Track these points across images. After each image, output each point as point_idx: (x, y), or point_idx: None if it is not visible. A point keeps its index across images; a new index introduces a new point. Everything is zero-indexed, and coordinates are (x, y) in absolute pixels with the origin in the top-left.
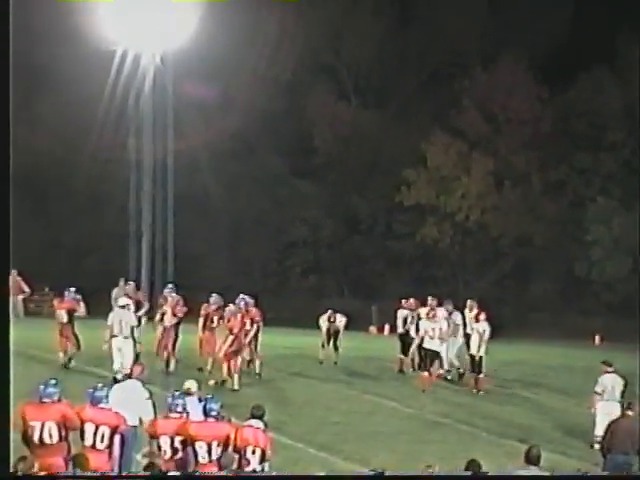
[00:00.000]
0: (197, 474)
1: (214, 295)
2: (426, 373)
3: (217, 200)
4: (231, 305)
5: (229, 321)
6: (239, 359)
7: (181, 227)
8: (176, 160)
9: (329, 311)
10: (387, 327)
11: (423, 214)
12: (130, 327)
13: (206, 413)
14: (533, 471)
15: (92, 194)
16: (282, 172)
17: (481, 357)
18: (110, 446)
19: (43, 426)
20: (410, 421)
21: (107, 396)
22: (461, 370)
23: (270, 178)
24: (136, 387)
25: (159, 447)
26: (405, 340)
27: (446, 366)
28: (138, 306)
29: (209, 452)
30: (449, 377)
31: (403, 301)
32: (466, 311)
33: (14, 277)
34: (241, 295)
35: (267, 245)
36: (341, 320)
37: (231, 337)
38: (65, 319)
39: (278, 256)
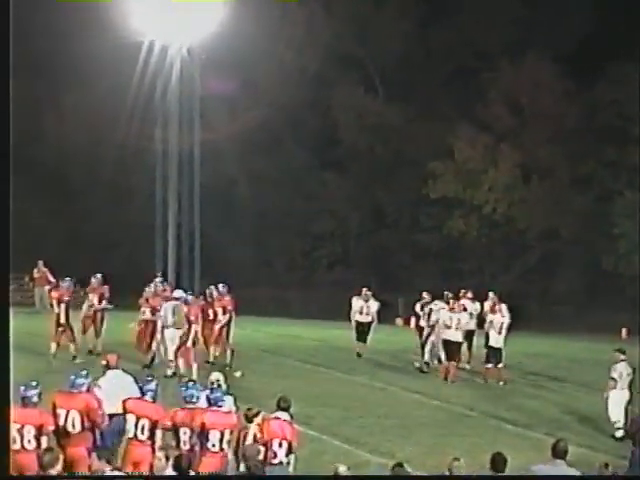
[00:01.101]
0: (198, 474)
1: (220, 286)
2: (446, 363)
3: (243, 192)
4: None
5: (189, 311)
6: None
7: (206, 219)
8: (202, 151)
9: (363, 290)
10: (413, 319)
11: (450, 207)
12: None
13: (210, 402)
14: (559, 465)
15: (118, 185)
16: (308, 164)
17: (500, 348)
18: (151, 438)
19: (67, 414)
20: (436, 413)
21: (155, 389)
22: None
23: (296, 170)
24: (119, 375)
25: (178, 439)
26: (421, 332)
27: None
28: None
29: (221, 440)
30: (467, 367)
31: (424, 294)
32: (486, 303)
33: (40, 268)
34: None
35: (293, 237)
36: (374, 304)
37: (186, 326)
38: (57, 309)
39: (304, 248)
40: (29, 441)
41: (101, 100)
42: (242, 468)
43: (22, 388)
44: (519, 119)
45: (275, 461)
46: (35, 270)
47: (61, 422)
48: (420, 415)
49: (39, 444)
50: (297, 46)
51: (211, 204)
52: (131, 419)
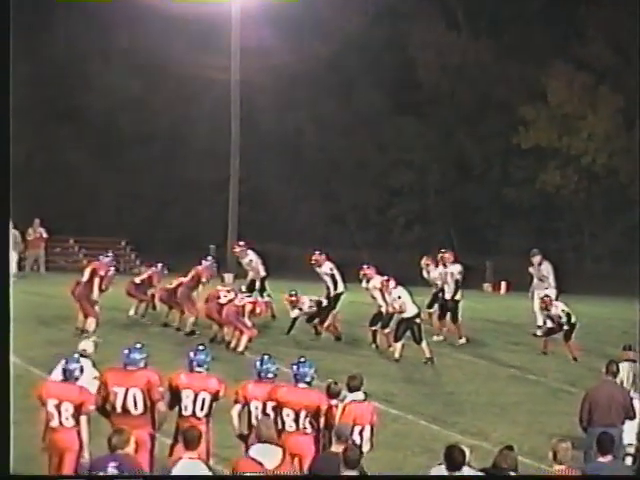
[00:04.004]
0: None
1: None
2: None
3: (310, 140)
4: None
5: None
6: None
7: (271, 172)
8: (265, 96)
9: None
10: (504, 284)
11: (543, 157)
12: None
13: (297, 378)
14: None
15: (172, 137)
16: (384, 109)
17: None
18: (208, 416)
19: (127, 393)
20: (532, 389)
21: (208, 360)
22: (539, 332)
23: (370, 116)
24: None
25: (249, 413)
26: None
27: (540, 322)
28: None
29: (296, 420)
30: (539, 333)
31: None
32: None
33: (36, 228)
34: None
35: (366, 192)
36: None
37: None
38: (86, 277)
39: (379, 204)
40: (67, 419)
41: (153, 42)
42: (334, 448)
43: (64, 361)
44: (622, 56)
45: None
46: (30, 230)
47: (119, 402)
48: (515, 391)
49: (78, 423)
50: None
51: (276, 155)
52: (188, 395)
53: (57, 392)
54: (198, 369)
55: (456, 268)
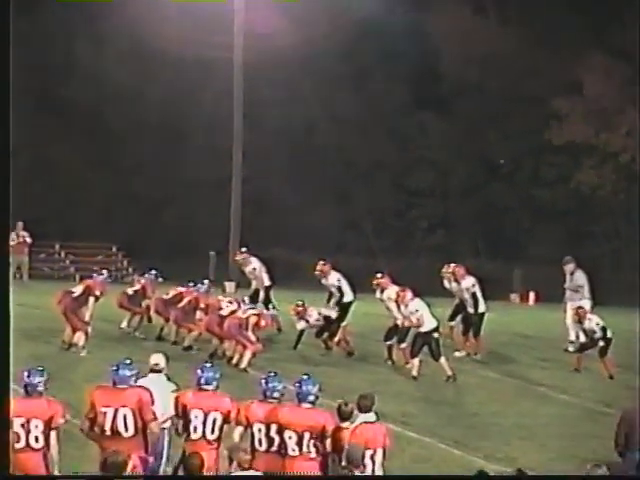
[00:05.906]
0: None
1: None
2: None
3: (323, 138)
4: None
5: None
6: None
7: (279, 171)
8: (273, 89)
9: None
10: (532, 295)
11: (578, 155)
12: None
13: (300, 397)
14: None
15: (169, 131)
16: (403, 103)
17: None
18: (219, 439)
19: (117, 413)
20: (564, 410)
21: (217, 377)
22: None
23: (389, 111)
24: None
25: (252, 437)
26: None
27: (572, 336)
28: None
29: (299, 444)
30: (571, 349)
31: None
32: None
33: (19, 232)
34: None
35: (385, 193)
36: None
37: None
38: (78, 292)
39: (398, 207)
40: (36, 438)
41: (146, 29)
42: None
43: (25, 374)
44: None
45: (366, 472)
46: (13, 234)
47: (108, 423)
48: (545, 413)
49: (47, 442)
50: None
51: (283, 153)
52: (198, 415)
53: (23, 409)
54: (207, 387)
55: (469, 282)
